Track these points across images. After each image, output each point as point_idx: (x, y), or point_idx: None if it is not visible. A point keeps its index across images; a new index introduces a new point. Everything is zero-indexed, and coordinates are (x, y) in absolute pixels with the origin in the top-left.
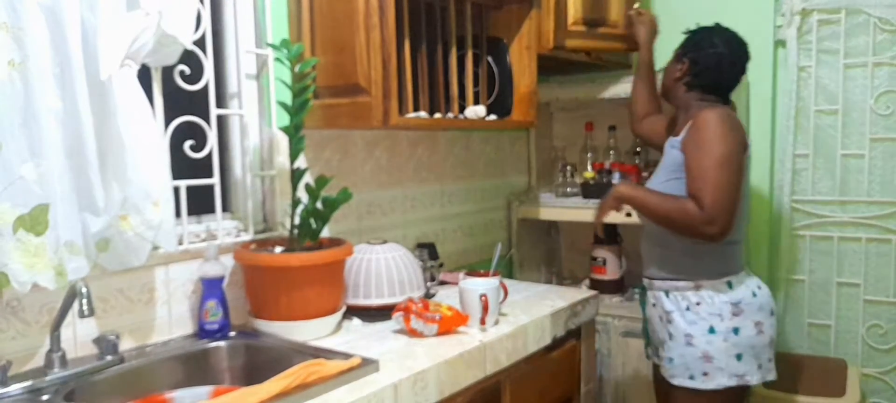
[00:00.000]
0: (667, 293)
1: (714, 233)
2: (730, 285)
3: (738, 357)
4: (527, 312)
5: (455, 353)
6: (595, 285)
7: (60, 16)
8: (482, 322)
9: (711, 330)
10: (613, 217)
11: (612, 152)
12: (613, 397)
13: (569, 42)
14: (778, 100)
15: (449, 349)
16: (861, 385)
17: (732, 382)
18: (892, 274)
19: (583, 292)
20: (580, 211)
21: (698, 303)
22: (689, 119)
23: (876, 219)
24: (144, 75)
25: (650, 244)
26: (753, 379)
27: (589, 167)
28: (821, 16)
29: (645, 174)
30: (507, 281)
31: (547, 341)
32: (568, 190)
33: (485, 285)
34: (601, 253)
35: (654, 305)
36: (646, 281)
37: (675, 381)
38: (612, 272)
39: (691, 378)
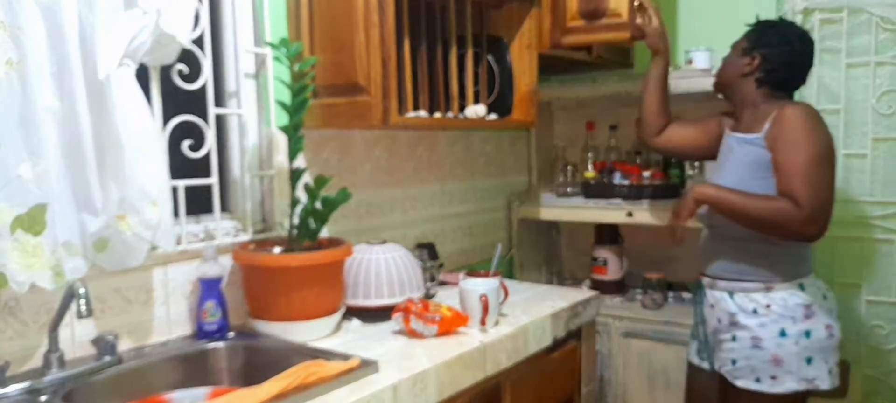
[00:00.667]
0: (731, 294)
1: (814, 233)
2: (802, 287)
3: (809, 360)
4: (527, 313)
5: (455, 354)
6: (596, 285)
7: (58, 14)
8: (482, 322)
9: (783, 333)
10: (613, 217)
11: (613, 152)
12: (614, 398)
13: (567, 39)
14: None
15: (449, 350)
16: (863, 386)
17: (802, 386)
18: (895, 275)
19: (583, 292)
20: (581, 210)
21: (768, 306)
22: (760, 115)
23: (878, 219)
24: (142, 74)
25: (719, 242)
26: (824, 384)
27: (590, 166)
28: (823, 15)
29: (646, 173)
30: (507, 282)
31: (547, 342)
32: (569, 189)
33: (485, 285)
34: (602, 253)
35: (712, 306)
36: (706, 281)
37: (740, 383)
38: (613, 272)
39: (758, 380)
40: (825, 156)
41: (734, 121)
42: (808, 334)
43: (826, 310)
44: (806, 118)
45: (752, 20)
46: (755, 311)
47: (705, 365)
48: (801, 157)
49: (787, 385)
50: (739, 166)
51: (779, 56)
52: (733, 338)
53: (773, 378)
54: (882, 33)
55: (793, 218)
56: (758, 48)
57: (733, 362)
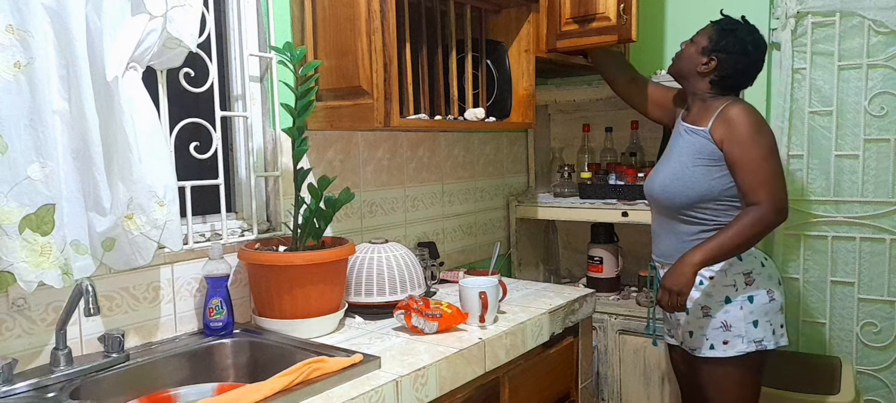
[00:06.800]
0: None
1: (782, 218)
2: (740, 257)
3: (755, 323)
4: (525, 310)
5: (455, 350)
6: (592, 283)
7: (66, 18)
8: (481, 319)
9: (727, 300)
10: (608, 216)
11: (608, 153)
12: (610, 392)
13: (562, 43)
14: (772, 101)
15: (449, 346)
16: (855, 383)
17: (751, 348)
18: (886, 273)
19: (580, 290)
20: (578, 210)
21: (711, 277)
22: (708, 109)
23: (869, 219)
24: (150, 77)
25: (666, 228)
26: (769, 344)
27: (586, 167)
28: (815, 19)
29: (641, 174)
30: (505, 280)
31: (545, 338)
32: (566, 190)
33: (484, 283)
34: (598, 251)
35: None
36: (658, 262)
37: (698, 353)
38: (608, 270)
39: (712, 347)
40: (772, 150)
41: (685, 110)
42: (751, 299)
43: (766, 277)
44: (749, 116)
45: (740, 21)
46: (701, 283)
47: (674, 341)
48: (753, 153)
49: (738, 347)
50: (683, 154)
51: (734, 64)
52: (686, 311)
53: (725, 343)
54: (874, 36)
55: (764, 217)
56: (716, 52)
57: (690, 334)
